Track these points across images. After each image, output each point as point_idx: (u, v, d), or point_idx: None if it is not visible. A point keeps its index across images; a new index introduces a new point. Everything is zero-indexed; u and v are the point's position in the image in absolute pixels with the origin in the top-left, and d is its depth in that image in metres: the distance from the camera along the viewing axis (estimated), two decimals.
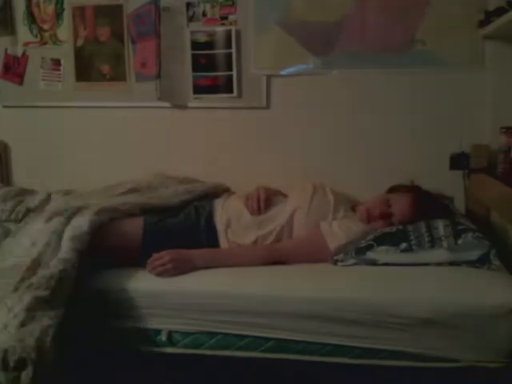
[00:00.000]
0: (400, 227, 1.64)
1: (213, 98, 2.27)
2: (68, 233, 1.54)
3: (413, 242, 1.54)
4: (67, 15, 2.36)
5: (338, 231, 1.67)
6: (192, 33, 2.24)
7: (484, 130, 2.08)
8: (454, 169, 2.10)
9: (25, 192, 2.11)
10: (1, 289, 1.38)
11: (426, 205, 1.74)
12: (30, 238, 1.56)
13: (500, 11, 1.81)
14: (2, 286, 1.39)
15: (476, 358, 1.36)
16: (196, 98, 2.29)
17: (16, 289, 1.36)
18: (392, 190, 1.91)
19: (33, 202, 1.99)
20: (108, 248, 1.61)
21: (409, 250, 1.54)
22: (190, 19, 2.25)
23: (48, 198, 2.05)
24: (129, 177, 2.13)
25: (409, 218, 1.69)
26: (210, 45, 2.23)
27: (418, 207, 1.72)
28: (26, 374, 1.18)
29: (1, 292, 1.37)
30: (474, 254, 1.51)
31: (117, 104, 2.36)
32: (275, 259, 1.64)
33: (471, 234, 1.53)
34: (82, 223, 1.57)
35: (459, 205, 2.07)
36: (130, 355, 1.49)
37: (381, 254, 1.55)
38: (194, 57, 2.25)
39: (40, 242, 1.52)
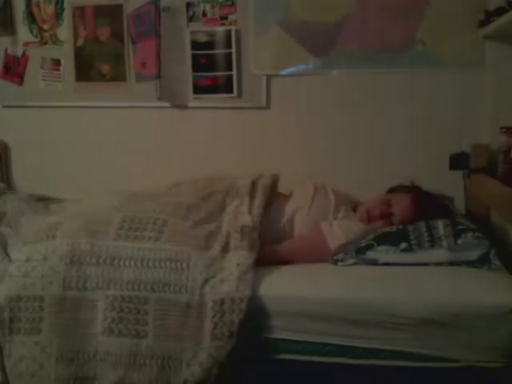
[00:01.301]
0: (400, 227, 1.64)
1: (213, 97, 2.27)
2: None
3: (413, 242, 1.54)
4: (67, 15, 2.36)
5: (338, 231, 1.67)
6: (192, 33, 2.24)
7: (484, 130, 2.08)
8: (454, 169, 2.10)
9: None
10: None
11: (426, 205, 1.74)
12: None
13: (500, 11, 1.80)
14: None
15: (476, 358, 1.36)
16: (196, 98, 2.29)
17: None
18: (392, 190, 1.91)
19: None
20: None
21: (409, 249, 1.54)
22: (190, 19, 2.25)
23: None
24: (127, 176, 2.13)
25: (409, 218, 1.69)
26: (210, 45, 2.23)
27: (418, 207, 1.72)
28: None
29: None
30: (474, 254, 1.51)
31: (117, 104, 2.36)
32: (276, 259, 1.64)
33: (471, 233, 1.53)
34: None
35: (459, 205, 2.07)
36: None
37: (381, 253, 1.55)
38: (193, 57, 2.25)
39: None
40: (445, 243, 1.53)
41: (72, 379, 1.36)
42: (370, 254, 1.56)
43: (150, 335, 1.36)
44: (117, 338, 1.37)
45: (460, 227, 1.57)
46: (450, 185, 2.08)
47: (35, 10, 2.39)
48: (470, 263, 1.51)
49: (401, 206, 1.74)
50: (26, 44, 2.42)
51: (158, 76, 2.25)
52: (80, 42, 2.37)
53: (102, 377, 1.35)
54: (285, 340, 1.44)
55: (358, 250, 1.58)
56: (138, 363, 1.35)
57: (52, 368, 1.36)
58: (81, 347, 1.38)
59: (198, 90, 2.27)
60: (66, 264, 1.43)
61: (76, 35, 2.36)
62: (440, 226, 1.58)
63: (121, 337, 1.37)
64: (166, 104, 2.31)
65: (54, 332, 1.39)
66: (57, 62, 2.40)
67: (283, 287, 1.47)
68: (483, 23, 1.98)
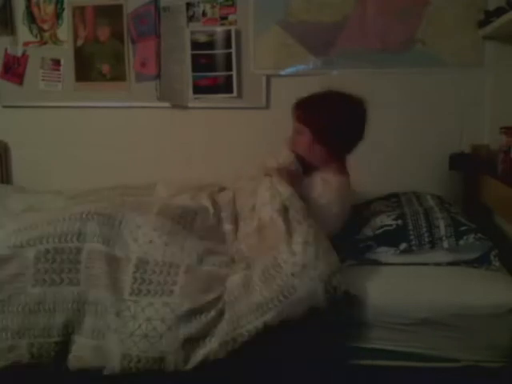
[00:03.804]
0: (400, 224, 1.61)
1: (213, 98, 2.27)
2: None
3: (413, 243, 1.54)
4: (67, 15, 2.36)
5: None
6: (192, 33, 2.24)
7: (484, 130, 2.08)
8: (454, 169, 2.10)
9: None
10: None
11: (311, 105, 1.71)
12: None
13: (500, 11, 1.81)
14: None
15: (476, 357, 1.36)
16: (196, 98, 2.29)
17: None
18: None
19: None
20: None
21: (409, 250, 1.53)
22: (190, 19, 2.25)
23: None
24: (128, 176, 2.13)
25: (300, 120, 1.69)
26: (209, 45, 2.23)
27: (301, 108, 1.72)
28: None
29: None
30: (475, 255, 1.51)
31: (117, 104, 2.36)
32: None
33: (473, 235, 1.52)
34: None
35: (459, 205, 2.06)
36: None
37: (380, 255, 1.55)
38: (193, 57, 2.25)
39: None
40: (445, 244, 1.52)
41: (196, 337, 1.33)
42: (369, 255, 1.56)
43: None
44: None
45: (462, 228, 1.55)
46: (450, 185, 2.08)
47: (35, 10, 2.39)
48: (469, 263, 1.50)
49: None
50: (25, 44, 2.42)
51: (158, 76, 2.25)
52: (80, 42, 2.37)
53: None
54: None
55: (357, 251, 1.57)
56: None
57: (181, 328, 1.33)
58: (206, 306, 1.37)
59: (198, 89, 2.27)
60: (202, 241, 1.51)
61: (76, 35, 2.36)
62: (441, 225, 1.56)
63: None
64: (166, 104, 2.31)
65: (187, 295, 1.37)
66: (57, 62, 2.40)
67: None
68: (483, 23, 1.98)
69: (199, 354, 1.32)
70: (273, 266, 1.36)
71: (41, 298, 1.39)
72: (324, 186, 1.62)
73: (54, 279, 1.40)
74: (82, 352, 1.38)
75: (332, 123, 1.62)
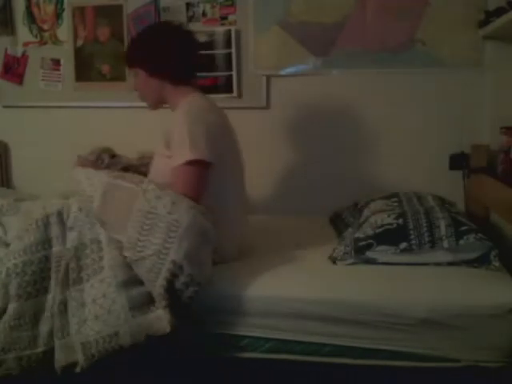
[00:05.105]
0: (400, 223, 1.61)
1: (213, 98, 2.26)
2: None
3: (413, 242, 1.54)
4: (67, 15, 2.36)
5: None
6: None
7: (484, 130, 2.08)
8: (454, 169, 2.10)
9: None
10: None
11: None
12: None
13: (500, 11, 1.81)
14: None
15: (476, 357, 1.36)
16: None
17: None
18: None
19: None
20: None
21: (409, 249, 1.53)
22: (190, 19, 2.25)
23: None
24: None
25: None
26: (209, 45, 2.23)
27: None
28: None
29: None
30: (475, 255, 1.50)
31: (117, 104, 2.36)
32: None
33: (473, 235, 1.51)
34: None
35: (459, 205, 2.06)
36: None
37: (380, 253, 1.55)
38: None
39: None
40: (445, 244, 1.52)
41: (141, 302, 1.34)
42: (369, 254, 1.56)
43: None
44: None
45: (463, 228, 1.54)
46: (450, 185, 2.08)
47: (35, 10, 2.39)
48: (469, 263, 1.50)
49: None
50: (25, 44, 2.42)
51: None
52: (80, 42, 2.37)
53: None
54: (285, 341, 1.44)
55: (357, 250, 1.57)
56: None
57: (124, 298, 1.34)
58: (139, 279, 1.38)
59: None
60: None
61: (76, 35, 2.37)
62: (442, 225, 1.56)
63: None
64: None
65: (116, 266, 1.38)
66: (57, 62, 2.41)
67: (283, 288, 1.47)
68: (483, 23, 1.98)
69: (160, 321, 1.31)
70: (148, 218, 1.35)
71: (20, 313, 1.38)
72: (180, 115, 1.64)
73: (29, 292, 1.40)
74: (56, 354, 1.37)
75: (152, 51, 1.65)
